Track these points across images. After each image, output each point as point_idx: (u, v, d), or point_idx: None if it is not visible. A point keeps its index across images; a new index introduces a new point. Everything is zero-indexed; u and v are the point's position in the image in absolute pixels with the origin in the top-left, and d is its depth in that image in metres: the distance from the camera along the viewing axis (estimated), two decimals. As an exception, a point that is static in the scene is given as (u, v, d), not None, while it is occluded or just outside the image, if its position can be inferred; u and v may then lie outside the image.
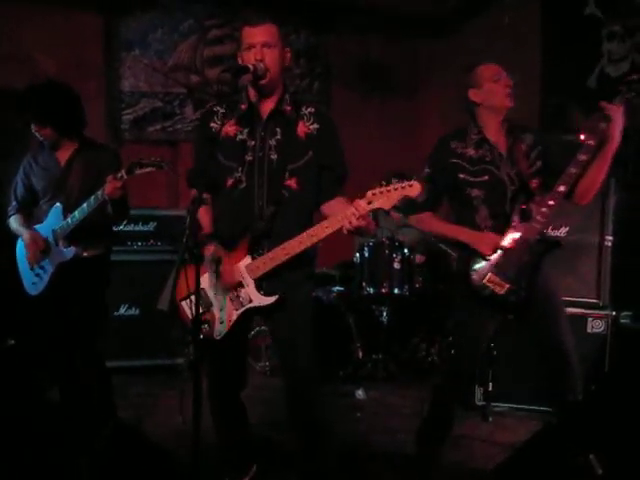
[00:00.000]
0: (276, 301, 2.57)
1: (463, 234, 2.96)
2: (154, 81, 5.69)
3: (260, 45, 2.53)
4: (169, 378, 4.75)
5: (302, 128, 2.64)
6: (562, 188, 2.79)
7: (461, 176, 2.96)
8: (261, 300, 2.58)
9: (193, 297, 2.29)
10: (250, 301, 2.59)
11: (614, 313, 3.92)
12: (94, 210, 3.22)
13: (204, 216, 2.68)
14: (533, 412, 3.97)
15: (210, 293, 2.65)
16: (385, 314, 4.81)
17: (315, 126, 2.64)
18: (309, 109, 2.67)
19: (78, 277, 3.36)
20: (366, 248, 4.78)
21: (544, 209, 2.81)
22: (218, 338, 2.61)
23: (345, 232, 2.45)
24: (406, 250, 4.76)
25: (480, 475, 3.20)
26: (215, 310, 2.63)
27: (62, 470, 1.89)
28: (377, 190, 2.37)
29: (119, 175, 3.12)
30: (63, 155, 3.43)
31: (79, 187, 3.30)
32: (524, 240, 2.84)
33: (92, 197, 3.19)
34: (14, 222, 3.52)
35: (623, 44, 4.32)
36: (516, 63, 5.05)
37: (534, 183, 2.93)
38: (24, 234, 3.43)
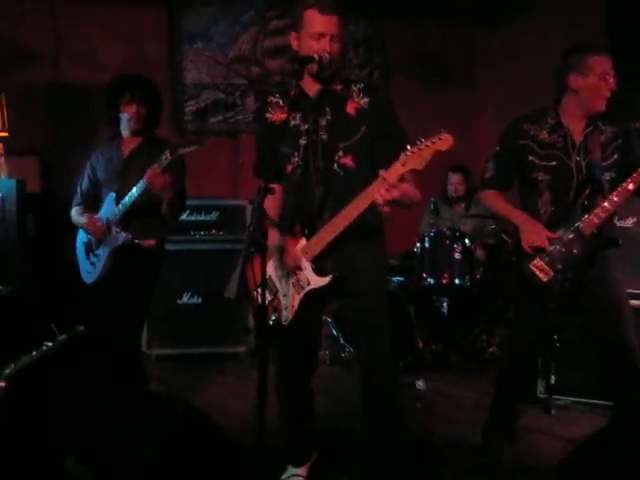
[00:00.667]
0: (332, 280, 2.56)
1: (519, 218, 2.91)
2: (216, 73, 5.75)
3: (330, 36, 2.53)
4: (231, 365, 4.87)
5: (352, 104, 2.62)
6: (630, 186, 2.73)
7: (530, 158, 2.92)
8: (318, 281, 2.58)
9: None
10: (309, 283, 2.60)
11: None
12: (144, 197, 3.29)
13: (271, 205, 2.69)
14: (596, 406, 3.89)
15: (275, 280, 2.68)
16: (445, 305, 4.78)
17: (365, 100, 2.63)
18: (358, 85, 2.66)
19: (129, 266, 3.44)
20: (427, 238, 4.75)
21: (606, 204, 2.76)
22: (285, 324, 2.64)
23: (381, 207, 2.42)
24: (467, 240, 4.72)
25: (543, 469, 3.16)
26: (280, 296, 2.66)
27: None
28: (409, 151, 2.32)
29: (163, 157, 3.19)
30: (127, 147, 3.54)
31: (137, 178, 3.36)
32: (579, 232, 2.79)
33: (141, 181, 3.26)
34: (75, 213, 3.63)
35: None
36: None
37: (607, 176, 2.85)
38: (84, 220, 3.53)
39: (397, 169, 2.35)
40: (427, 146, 2.31)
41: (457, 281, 4.68)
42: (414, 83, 6.02)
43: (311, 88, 2.64)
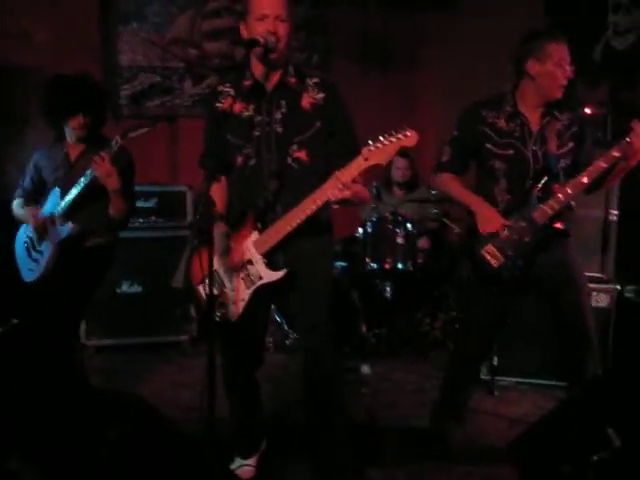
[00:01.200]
0: (285, 275, 2.53)
1: (475, 203, 2.95)
2: (152, 55, 5.57)
3: (274, 17, 2.47)
4: (173, 354, 4.79)
5: (307, 99, 2.59)
6: (585, 179, 2.78)
7: (487, 146, 2.94)
8: (270, 276, 2.54)
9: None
10: (260, 278, 2.56)
11: (618, 287, 3.94)
12: (90, 189, 3.19)
13: (217, 195, 2.63)
14: (538, 386, 4.00)
15: (222, 274, 2.62)
16: (389, 289, 4.81)
17: (321, 95, 2.60)
18: (314, 80, 2.62)
19: (73, 263, 3.32)
20: (369, 223, 4.76)
21: (560, 196, 2.80)
22: (233, 319, 2.59)
23: (334, 204, 2.45)
24: (409, 225, 4.74)
25: (489, 450, 3.23)
26: (227, 290, 2.60)
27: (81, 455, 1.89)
28: (372, 146, 2.32)
29: (113, 142, 3.10)
30: (74, 150, 3.41)
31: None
32: (531, 221, 2.83)
33: (88, 170, 3.16)
34: (17, 206, 3.51)
35: (629, 16, 4.27)
36: (519, 36, 5.05)
37: (562, 163, 2.90)
38: (25, 211, 3.42)
39: (359, 164, 2.34)
40: (392, 142, 2.30)
41: (400, 266, 4.71)
42: (357, 67, 5.99)
43: (260, 74, 2.58)
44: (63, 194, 3.27)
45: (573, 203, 2.94)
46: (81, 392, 2.39)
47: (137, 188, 4.74)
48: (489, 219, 2.88)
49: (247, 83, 2.60)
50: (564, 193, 2.80)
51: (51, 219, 3.31)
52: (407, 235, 4.73)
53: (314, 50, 5.92)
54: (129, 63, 5.51)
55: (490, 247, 2.87)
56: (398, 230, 4.71)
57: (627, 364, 2.86)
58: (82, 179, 3.19)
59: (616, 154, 2.74)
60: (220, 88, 2.67)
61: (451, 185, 3.05)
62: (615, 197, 3.95)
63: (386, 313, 4.84)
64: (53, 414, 2.08)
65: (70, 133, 3.36)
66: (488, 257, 2.88)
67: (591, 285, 3.91)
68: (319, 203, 2.43)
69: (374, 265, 4.72)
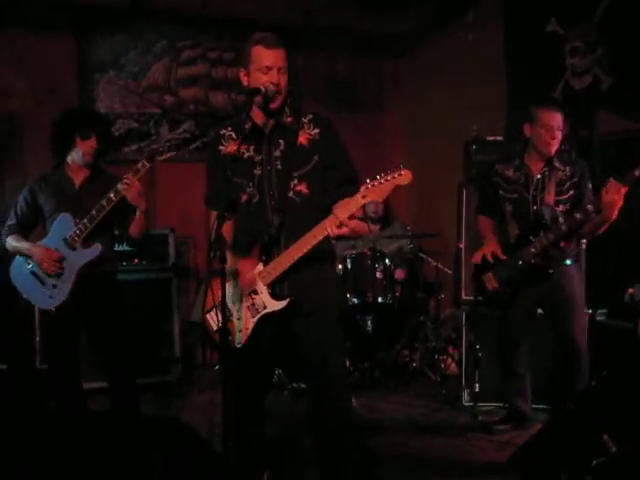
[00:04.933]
0: (288, 304, 2.64)
1: (486, 236, 3.70)
2: (128, 102, 5.71)
3: (277, 69, 2.64)
4: (157, 395, 4.80)
5: (304, 135, 2.73)
6: (564, 228, 3.38)
7: (500, 192, 3.64)
8: (274, 305, 2.65)
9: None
10: (264, 307, 2.67)
11: (590, 311, 4.15)
12: (111, 212, 3.36)
13: (226, 233, 2.69)
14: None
15: (230, 303, 2.71)
16: (370, 322, 4.95)
17: (316, 131, 2.74)
18: (308, 117, 2.77)
19: (98, 286, 3.48)
20: (349, 259, 4.92)
21: (544, 239, 3.39)
22: (238, 347, 2.68)
23: (332, 240, 2.62)
24: (387, 260, 4.92)
25: (486, 468, 3.35)
26: (234, 320, 2.70)
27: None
28: (370, 184, 2.48)
29: (140, 165, 3.29)
30: (77, 178, 3.54)
31: (90, 205, 3.38)
32: (521, 257, 3.45)
33: (111, 192, 3.32)
34: (13, 241, 3.54)
35: (585, 58, 4.58)
36: (481, 78, 5.36)
37: (560, 208, 3.47)
38: (30, 249, 3.46)
39: (358, 201, 2.49)
40: (387, 180, 2.47)
41: (380, 299, 4.87)
42: (324, 109, 6.21)
43: (260, 120, 2.74)
44: (77, 219, 3.39)
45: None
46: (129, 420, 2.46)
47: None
48: (487, 248, 3.62)
49: (247, 126, 2.76)
50: (547, 238, 3.40)
51: (68, 246, 3.39)
52: (385, 269, 4.91)
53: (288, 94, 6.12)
54: (106, 110, 5.60)
55: (489, 274, 3.56)
56: (377, 265, 4.88)
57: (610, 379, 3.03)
58: (104, 201, 3.32)
59: (590, 208, 3.30)
60: (222, 132, 2.82)
61: (481, 223, 3.82)
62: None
63: (368, 346, 4.97)
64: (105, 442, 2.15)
65: (78, 158, 3.49)
66: (486, 282, 3.59)
67: (565, 310, 4.20)
68: (319, 238, 2.57)
69: (355, 300, 4.87)
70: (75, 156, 3.50)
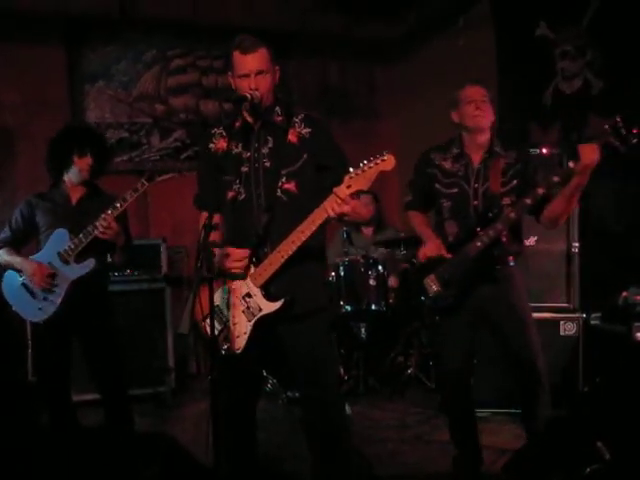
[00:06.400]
0: (283, 305, 2.60)
1: (425, 235, 3.22)
2: (119, 112, 5.69)
3: (254, 74, 2.62)
4: (151, 407, 4.76)
5: (294, 133, 2.70)
6: (512, 214, 2.97)
7: (436, 186, 3.21)
8: (269, 307, 2.61)
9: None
10: (260, 310, 2.62)
11: (584, 315, 4.14)
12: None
13: (216, 238, 2.69)
14: (513, 415, 4.07)
15: (224, 309, 2.68)
16: (363, 330, 4.92)
17: (307, 130, 2.71)
18: (300, 116, 2.74)
19: (89, 298, 3.45)
20: (341, 267, 4.89)
21: (490, 231, 2.97)
22: (238, 352, 2.64)
23: (334, 221, 2.51)
24: (380, 267, 4.89)
25: (482, 476, 3.32)
26: (231, 325, 2.65)
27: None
28: (353, 173, 2.40)
29: (139, 185, 3.31)
30: (74, 195, 3.54)
31: (87, 221, 3.37)
32: (464, 254, 3.03)
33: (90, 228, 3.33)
34: (5, 254, 3.52)
35: (575, 62, 4.58)
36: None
37: (506, 200, 3.07)
38: (22, 263, 3.45)
39: (343, 192, 2.41)
40: (371, 167, 2.40)
41: (373, 306, 4.84)
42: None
43: (250, 119, 2.72)
44: (72, 234, 3.38)
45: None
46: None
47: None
48: (429, 247, 3.12)
49: (237, 124, 2.74)
50: (494, 228, 2.97)
51: (62, 261, 3.38)
52: (378, 276, 4.88)
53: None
54: (96, 120, 5.60)
55: (432, 276, 3.09)
56: (370, 272, 4.85)
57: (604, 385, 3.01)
58: (89, 229, 3.32)
59: (555, 179, 2.90)
60: (213, 130, 2.82)
61: (414, 221, 3.36)
62: (575, 230, 4.18)
63: (362, 354, 4.94)
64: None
65: (75, 175, 3.49)
66: (428, 284, 3.11)
67: (558, 315, 4.18)
68: (318, 223, 2.49)
69: (348, 307, 4.84)
70: (72, 174, 3.50)
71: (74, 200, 3.53)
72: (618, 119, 2.76)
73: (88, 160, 3.45)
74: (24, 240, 3.60)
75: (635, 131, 2.75)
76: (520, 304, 3.14)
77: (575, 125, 4.59)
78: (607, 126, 2.77)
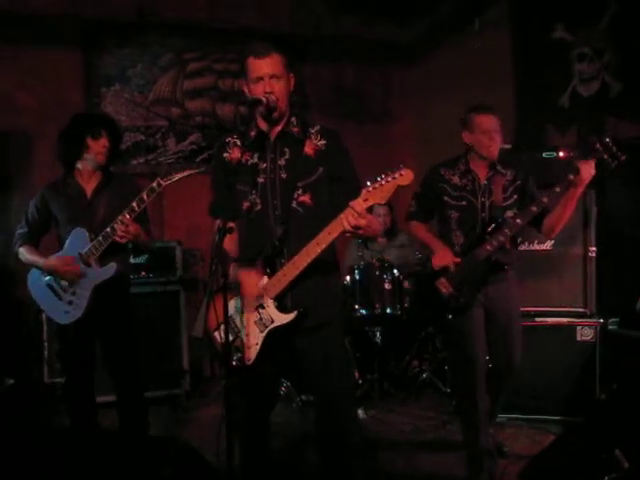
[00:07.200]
0: (296, 317, 2.60)
1: (434, 243, 3.48)
2: (135, 115, 5.72)
3: (268, 77, 2.60)
4: (167, 409, 4.77)
5: (310, 146, 2.69)
6: (519, 221, 3.28)
7: (445, 199, 3.47)
8: (282, 318, 2.61)
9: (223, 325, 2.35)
10: (272, 321, 2.62)
11: (602, 320, 4.10)
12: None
13: (230, 244, 2.72)
14: (530, 421, 4.10)
15: (237, 319, 2.69)
16: (379, 334, 4.90)
17: (323, 142, 2.70)
18: (316, 127, 2.74)
19: (113, 301, 3.46)
20: (357, 271, 4.87)
21: (500, 237, 3.26)
22: (249, 363, 2.63)
23: (349, 235, 2.50)
24: (395, 270, 4.87)
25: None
26: (243, 335, 2.66)
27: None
28: (370, 187, 2.41)
29: (155, 185, 3.27)
30: (89, 186, 3.52)
31: (103, 215, 3.39)
32: (473, 257, 3.30)
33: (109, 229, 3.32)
34: (26, 253, 3.52)
35: (593, 64, 4.54)
36: (489, 85, 5.32)
37: (509, 214, 3.37)
38: (45, 263, 3.44)
39: (360, 205, 2.41)
40: (388, 181, 2.40)
41: (389, 310, 4.80)
42: (333, 120, 6.19)
43: (265, 128, 2.70)
44: (91, 233, 3.38)
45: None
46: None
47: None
48: (442, 255, 3.37)
49: (252, 134, 2.73)
50: (503, 234, 3.27)
51: (83, 262, 3.38)
52: (393, 280, 4.85)
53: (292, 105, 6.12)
54: (113, 123, 5.61)
55: (442, 279, 3.35)
56: (385, 276, 4.83)
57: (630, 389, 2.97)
58: (109, 230, 3.30)
59: (557, 190, 3.19)
60: (228, 139, 2.79)
61: (418, 230, 3.63)
62: (593, 234, 4.14)
63: (377, 358, 4.92)
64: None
65: (91, 161, 3.47)
66: (440, 287, 3.35)
67: (575, 320, 4.14)
68: (334, 235, 2.49)
69: (363, 311, 4.81)
70: (87, 160, 3.47)
71: (89, 192, 3.50)
72: (607, 139, 3.11)
73: (104, 142, 3.44)
74: (42, 232, 3.59)
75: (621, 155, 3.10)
76: (516, 307, 3.49)
77: (593, 128, 4.56)
78: (598, 144, 3.11)
